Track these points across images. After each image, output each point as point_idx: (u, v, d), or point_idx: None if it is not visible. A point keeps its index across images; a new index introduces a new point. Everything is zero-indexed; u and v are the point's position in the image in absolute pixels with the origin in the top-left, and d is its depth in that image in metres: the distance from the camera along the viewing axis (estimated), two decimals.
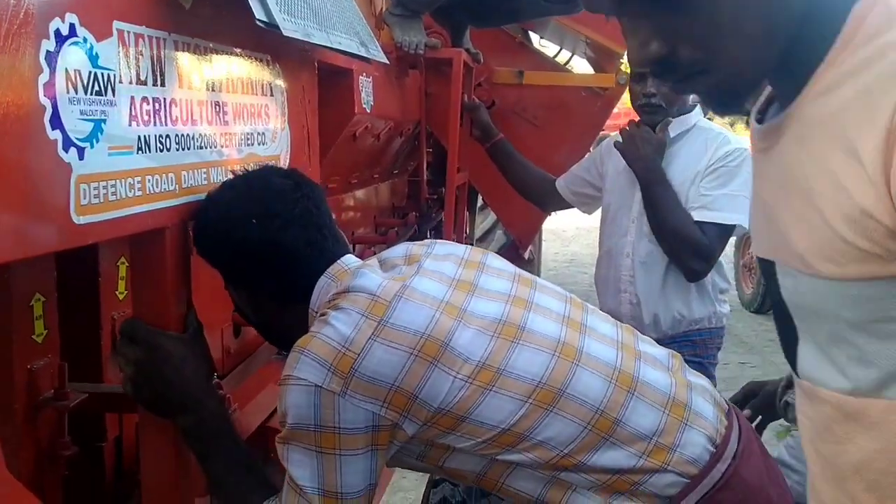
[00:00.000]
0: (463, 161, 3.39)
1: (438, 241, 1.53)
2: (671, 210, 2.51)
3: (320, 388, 1.22)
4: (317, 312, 1.36)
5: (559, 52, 4.18)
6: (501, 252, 4.35)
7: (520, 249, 3.89)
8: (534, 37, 4.16)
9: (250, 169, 1.44)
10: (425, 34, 2.94)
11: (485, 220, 5.16)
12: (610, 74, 3.67)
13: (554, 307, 1.40)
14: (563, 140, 3.70)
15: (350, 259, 1.43)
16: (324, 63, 2.03)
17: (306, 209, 1.40)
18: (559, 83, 3.81)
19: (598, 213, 2.95)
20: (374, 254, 1.55)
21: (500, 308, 1.35)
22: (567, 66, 4.12)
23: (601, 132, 4.30)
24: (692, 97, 2.62)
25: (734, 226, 2.53)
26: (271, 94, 1.69)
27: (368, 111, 2.47)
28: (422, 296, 1.31)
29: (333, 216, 1.48)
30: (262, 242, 1.36)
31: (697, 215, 2.50)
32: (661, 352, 1.47)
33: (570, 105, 3.75)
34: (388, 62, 2.31)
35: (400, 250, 1.49)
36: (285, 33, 1.37)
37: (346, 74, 2.28)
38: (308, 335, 1.28)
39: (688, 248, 2.45)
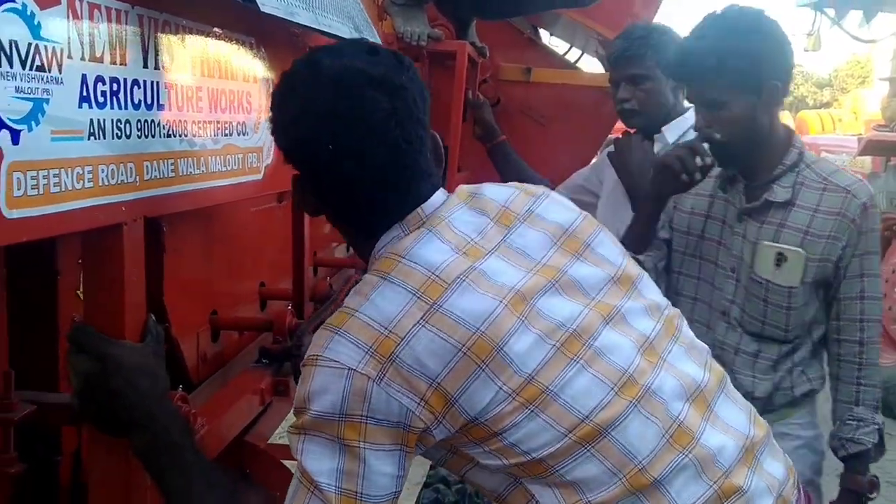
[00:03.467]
0: (465, 160, 3.25)
1: (551, 195, 1.33)
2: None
3: (353, 371, 1.07)
4: (376, 259, 1.21)
5: (569, 49, 4.03)
6: None
7: None
8: (543, 34, 4.02)
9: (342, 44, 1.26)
10: (429, 25, 2.80)
11: None
12: None
13: (640, 325, 1.23)
14: (571, 141, 3.55)
15: (432, 203, 1.22)
16: None
17: (395, 145, 1.16)
18: (568, 82, 3.66)
19: None
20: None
21: (574, 311, 1.17)
22: (577, 65, 3.97)
23: (610, 134, 4.16)
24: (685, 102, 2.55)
25: None
26: (255, 81, 1.55)
27: None
28: (488, 283, 1.14)
29: (427, 136, 1.23)
30: (333, 173, 1.18)
31: None
32: (740, 416, 1.26)
33: (579, 105, 3.60)
34: None
35: (502, 196, 1.28)
36: (263, 9, 1.23)
37: None
38: (344, 312, 1.13)
39: None
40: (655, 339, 1.22)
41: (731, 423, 1.23)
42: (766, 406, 1.96)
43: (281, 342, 1.81)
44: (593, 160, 3.12)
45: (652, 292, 1.31)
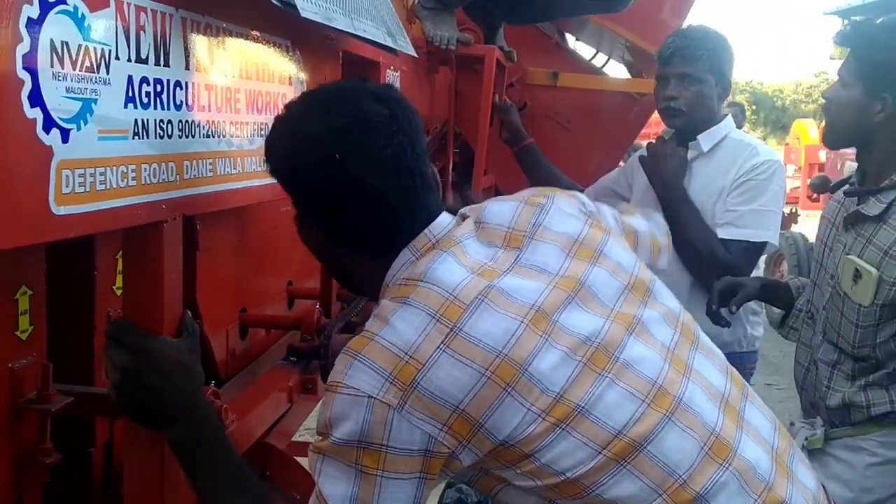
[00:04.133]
0: (490, 163, 3.27)
1: (556, 199, 1.29)
2: (693, 228, 2.41)
3: (374, 399, 1.06)
4: (388, 288, 1.20)
5: (595, 54, 4.03)
6: None
7: None
8: (570, 38, 4.03)
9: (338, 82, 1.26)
10: (458, 29, 2.82)
11: None
12: (648, 80, 3.50)
13: (661, 334, 1.20)
14: (597, 146, 3.56)
15: (440, 224, 1.22)
16: (349, 53, 1.91)
17: (400, 149, 1.16)
18: (595, 87, 3.67)
19: None
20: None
21: (597, 325, 1.15)
22: (603, 70, 3.98)
23: (637, 140, 4.16)
24: (724, 108, 2.55)
25: (764, 243, 2.43)
26: (289, 83, 1.58)
27: None
28: (507, 301, 1.12)
29: (428, 153, 1.25)
30: (343, 183, 1.16)
31: (723, 232, 2.39)
32: (766, 425, 1.24)
33: (605, 110, 3.61)
34: (416, 55, 2.19)
35: (506, 215, 1.25)
36: (303, 14, 1.25)
37: (373, 67, 2.16)
38: (364, 337, 1.11)
39: (712, 267, 2.33)
40: (677, 348, 1.21)
41: (760, 431, 1.21)
42: (843, 419, 1.93)
43: (309, 340, 1.83)
44: (621, 163, 3.12)
45: (666, 297, 1.30)
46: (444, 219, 1.23)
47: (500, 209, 1.27)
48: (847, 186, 1.99)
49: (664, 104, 2.51)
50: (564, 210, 1.29)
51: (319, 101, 1.20)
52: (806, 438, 1.93)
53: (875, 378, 1.88)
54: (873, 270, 1.79)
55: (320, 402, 1.17)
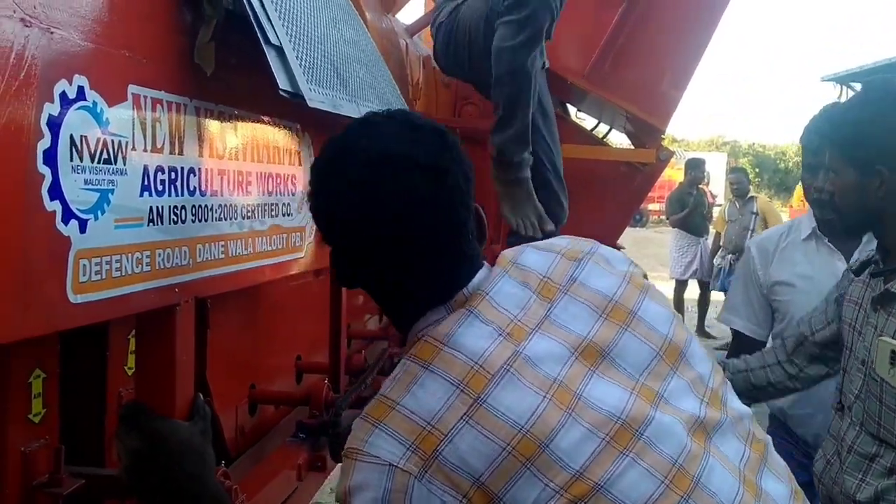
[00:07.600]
0: (494, 234, 3.29)
1: (596, 253, 1.26)
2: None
3: (395, 467, 1.04)
4: (415, 341, 1.16)
5: (597, 125, 4.10)
6: None
7: None
8: (571, 109, 4.10)
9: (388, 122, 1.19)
10: (540, 206, 2.67)
11: None
12: (650, 150, 3.54)
13: (687, 405, 1.17)
14: (600, 215, 3.57)
15: (475, 281, 1.18)
16: None
17: (434, 230, 1.14)
18: (597, 157, 3.71)
19: None
20: None
21: (623, 399, 1.12)
22: (605, 140, 4.03)
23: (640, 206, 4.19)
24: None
25: None
26: (299, 164, 1.61)
27: None
28: (532, 372, 1.10)
29: (471, 218, 1.20)
30: (370, 257, 1.15)
31: None
32: (782, 490, 1.22)
33: (608, 180, 3.64)
34: None
35: (542, 264, 1.22)
36: (311, 104, 1.29)
37: None
38: (383, 404, 1.08)
39: None
40: (706, 416, 1.18)
41: (777, 499, 1.19)
42: None
43: (318, 416, 1.83)
44: (739, 284, 2.73)
45: (698, 361, 1.25)
46: (480, 276, 1.20)
47: (537, 258, 1.24)
48: (872, 266, 1.89)
49: (814, 195, 2.47)
50: (602, 265, 1.26)
51: (366, 163, 1.12)
52: None
53: None
54: None
55: (339, 470, 1.15)
